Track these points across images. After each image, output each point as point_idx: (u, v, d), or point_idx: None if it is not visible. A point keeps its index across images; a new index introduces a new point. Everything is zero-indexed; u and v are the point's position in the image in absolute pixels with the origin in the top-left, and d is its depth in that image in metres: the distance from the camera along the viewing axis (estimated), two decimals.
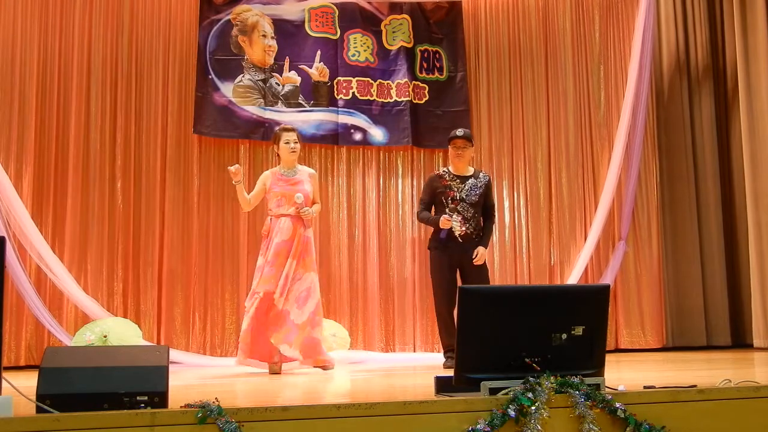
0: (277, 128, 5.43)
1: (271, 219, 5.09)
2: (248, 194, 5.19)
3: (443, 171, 5.33)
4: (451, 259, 5.12)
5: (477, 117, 7.36)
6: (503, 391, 2.46)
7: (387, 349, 6.85)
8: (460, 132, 5.25)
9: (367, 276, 6.93)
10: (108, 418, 2.16)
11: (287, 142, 5.10)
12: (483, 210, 5.27)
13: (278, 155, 5.21)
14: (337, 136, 7.02)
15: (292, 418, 2.26)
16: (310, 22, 7.13)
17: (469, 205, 5.14)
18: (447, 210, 5.09)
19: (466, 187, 5.15)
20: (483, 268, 5.20)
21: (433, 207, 5.30)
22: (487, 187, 5.30)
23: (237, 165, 5.03)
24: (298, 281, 4.97)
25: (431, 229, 5.54)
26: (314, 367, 5.03)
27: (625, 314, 7.24)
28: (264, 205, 6.72)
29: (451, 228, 5.03)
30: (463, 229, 5.07)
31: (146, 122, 6.59)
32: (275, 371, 4.96)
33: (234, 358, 6.42)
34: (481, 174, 5.33)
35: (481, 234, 5.22)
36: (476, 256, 5.12)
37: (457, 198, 5.12)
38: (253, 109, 6.84)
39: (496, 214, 5.70)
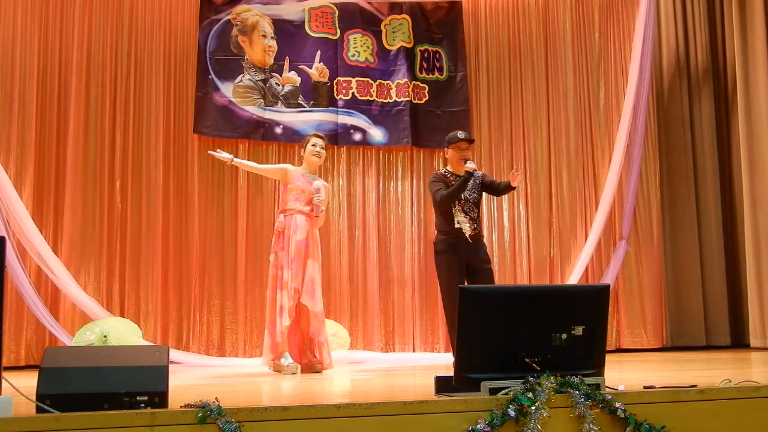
0: (309, 134, 5.53)
1: (284, 216, 5.14)
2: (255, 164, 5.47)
3: (445, 171, 5.28)
4: (460, 260, 5.05)
5: (477, 117, 7.36)
6: (503, 391, 2.46)
7: (387, 349, 6.85)
8: (462, 134, 5.21)
9: (367, 276, 6.93)
10: (108, 418, 2.16)
11: (314, 145, 5.28)
12: (495, 187, 5.25)
13: (301, 157, 5.33)
14: (337, 137, 7.02)
15: (292, 418, 2.25)
16: (310, 22, 7.12)
17: (473, 205, 5.10)
18: (453, 210, 5.05)
19: (469, 188, 5.12)
20: (490, 269, 5.16)
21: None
22: (483, 178, 5.27)
23: (222, 154, 5.21)
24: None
25: (432, 227, 5.50)
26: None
27: (626, 314, 7.24)
28: (263, 203, 6.78)
29: (461, 228, 4.99)
30: (473, 229, 5.03)
31: (146, 122, 6.59)
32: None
33: (234, 358, 6.47)
34: (475, 173, 5.31)
35: (483, 233, 5.18)
36: (516, 177, 5.06)
37: (462, 199, 5.09)
38: (253, 109, 6.84)
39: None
